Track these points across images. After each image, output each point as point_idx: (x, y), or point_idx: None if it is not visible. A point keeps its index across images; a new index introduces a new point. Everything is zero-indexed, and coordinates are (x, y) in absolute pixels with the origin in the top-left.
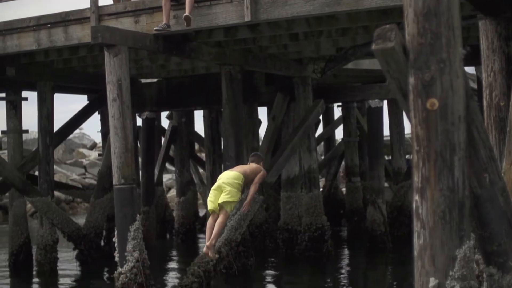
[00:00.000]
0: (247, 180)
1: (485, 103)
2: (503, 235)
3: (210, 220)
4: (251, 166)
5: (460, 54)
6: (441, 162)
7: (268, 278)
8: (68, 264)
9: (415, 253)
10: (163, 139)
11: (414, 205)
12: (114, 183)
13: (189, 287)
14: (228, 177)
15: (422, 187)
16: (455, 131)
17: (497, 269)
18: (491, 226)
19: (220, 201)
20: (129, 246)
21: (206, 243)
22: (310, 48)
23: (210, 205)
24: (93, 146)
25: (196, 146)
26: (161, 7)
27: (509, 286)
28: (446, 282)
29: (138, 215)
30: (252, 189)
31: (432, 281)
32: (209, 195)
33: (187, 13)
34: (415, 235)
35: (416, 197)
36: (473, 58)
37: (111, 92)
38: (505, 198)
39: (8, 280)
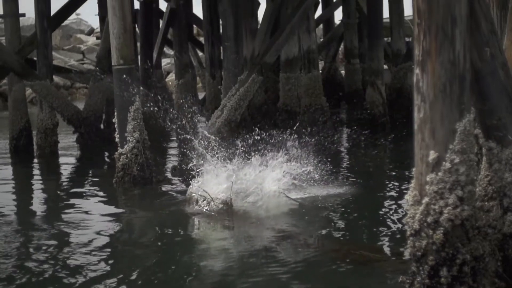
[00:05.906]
0: None
1: None
2: (503, 109)
3: None
4: None
5: None
6: (442, 35)
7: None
8: (68, 147)
9: (415, 127)
10: (161, 22)
11: (414, 79)
12: (113, 64)
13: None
14: None
15: (423, 60)
16: (457, 3)
17: (497, 143)
18: (491, 100)
19: None
20: (129, 127)
21: None
22: None
23: None
24: (90, 32)
25: (195, 30)
26: None
27: (508, 160)
28: (445, 155)
29: (137, 95)
30: None
31: (432, 154)
32: None
33: None
34: (415, 109)
35: (417, 70)
36: None
37: None
38: (506, 72)
39: (9, 165)
